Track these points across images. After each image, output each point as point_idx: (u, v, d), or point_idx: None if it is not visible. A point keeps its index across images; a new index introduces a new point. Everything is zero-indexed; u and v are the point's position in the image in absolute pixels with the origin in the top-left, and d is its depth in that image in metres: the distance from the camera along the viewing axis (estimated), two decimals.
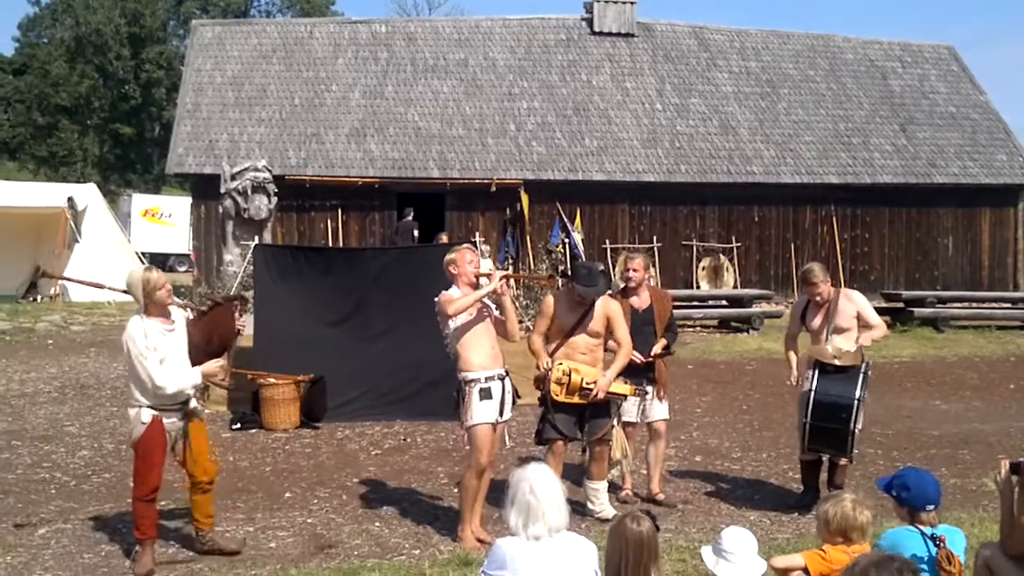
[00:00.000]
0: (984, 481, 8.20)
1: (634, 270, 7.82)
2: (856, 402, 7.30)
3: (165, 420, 6.28)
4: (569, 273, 7.69)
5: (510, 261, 22.58)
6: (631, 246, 24.07)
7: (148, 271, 6.42)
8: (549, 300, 7.42)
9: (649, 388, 7.77)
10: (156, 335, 6.20)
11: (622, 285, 8.11)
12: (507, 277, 7.06)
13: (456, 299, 6.64)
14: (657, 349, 7.73)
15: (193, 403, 6.46)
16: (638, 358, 7.53)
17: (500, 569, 4.18)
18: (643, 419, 7.84)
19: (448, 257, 6.94)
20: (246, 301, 6.70)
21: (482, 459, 6.72)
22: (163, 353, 6.18)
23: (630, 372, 7.47)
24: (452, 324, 6.70)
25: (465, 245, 7.16)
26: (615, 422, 7.38)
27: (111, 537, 6.95)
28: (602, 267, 8.17)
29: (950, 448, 9.95)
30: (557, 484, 4.31)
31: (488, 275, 6.95)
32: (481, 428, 6.70)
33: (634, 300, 7.81)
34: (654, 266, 24.06)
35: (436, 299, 6.81)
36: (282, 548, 6.77)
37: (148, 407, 6.23)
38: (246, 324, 6.74)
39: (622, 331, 7.28)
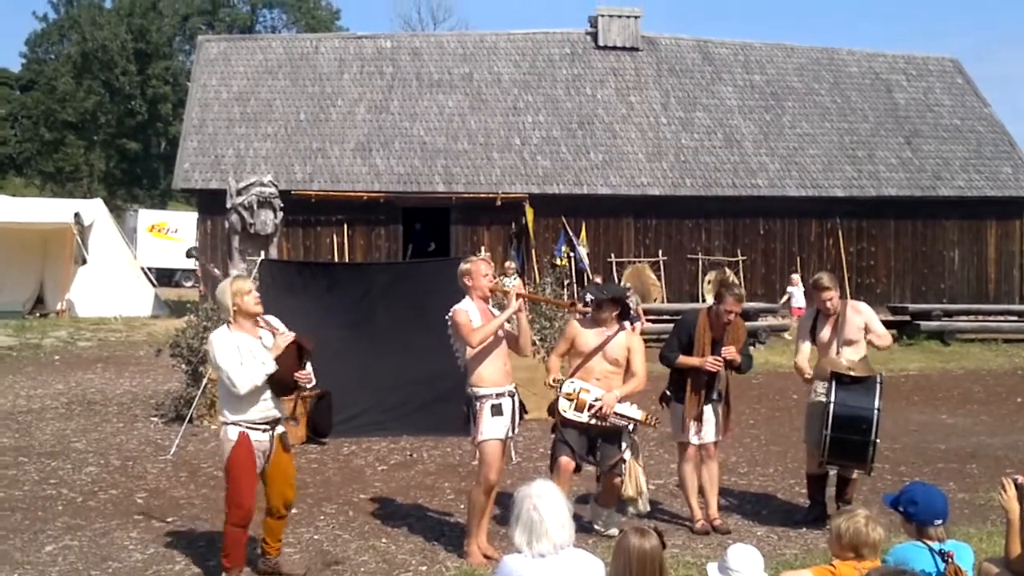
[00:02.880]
0: (992, 495, 8.17)
1: (736, 314, 7.49)
2: (876, 412, 7.27)
3: (253, 438, 6.17)
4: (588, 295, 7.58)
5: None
6: (636, 260, 24.09)
7: (238, 278, 6.40)
8: (573, 323, 7.42)
9: (717, 408, 7.60)
10: (245, 344, 6.15)
11: (713, 308, 7.68)
12: (523, 297, 6.99)
13: (476, 329, 6.59)
14: (730, 353, 7.43)
15: (281, 427, 6.36)
16: (714, 365, 7.39)
17: None
18: (699, 439, 7.59)
19: (463, 268, 6.89)
20: (310, 352, 6.44)
21: (491, 475, 6.71)
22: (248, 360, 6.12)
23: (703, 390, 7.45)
24: (460, 326, 6.68)
25: (481, 257, 7.11)
26: (627, 455, 7.24)
27: (118, 554, 6.94)
28: (628, 288, 8.07)
29: (958, 462, 9.92)
30: (562, 500, 4.29)
31: (506, 292, 6.91)
32: (492, 444, 6.69)
33: (715, 331, 7.54)
34: (660, 279, 24.05)
35: (448, 314, 6.77)
36: (289, 565, 6.76)
37: (235, 424, 6.15)
38: (310, 377, 6.36)
39: (639, 363, 7.22)
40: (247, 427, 6.17)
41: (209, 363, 6.33)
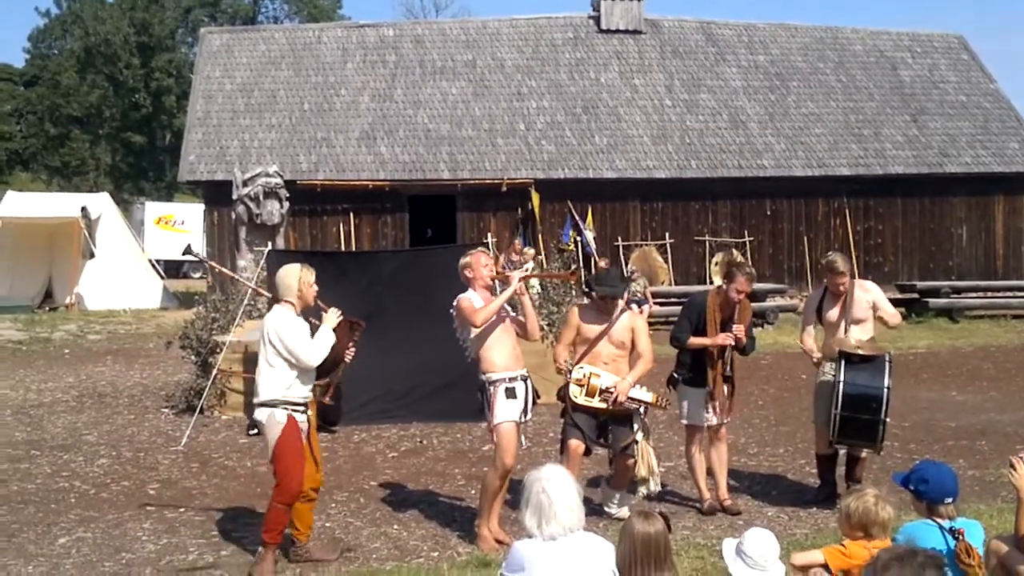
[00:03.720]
0: (1003, 472, 8.16)
1: (745, 294, 7.55)
2: (887, 391, 7.27)
3: (298, 420, 6.32)
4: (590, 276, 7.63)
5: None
6: (643, 243, 24.06)
7: (305, 268, 6.55)
8: (574, 310, 7.43)
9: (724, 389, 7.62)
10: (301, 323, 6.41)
11: (718, 284, 7.81)
12: (526, 277, 7.05)
13: (479, 308, 6.65)
14: (740, 331, 7.49)
15: (310, 409, 6.51)
16: (725, 340, 7.42)
17: (518, 572, 4.18)
18: (707, 421, 7.63)
19: (463, 261, 6.95)
20: (362, 327, 6.70)
21: (507, 459, 6.71)
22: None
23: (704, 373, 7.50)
24: (473, 329, 6.71)
25: (480, 248, 7.17)
26: (639, 436, 7.27)
27: (132, 545, 6.98)
28: (623, 272, 8.12)
29: (968, 439, 9.92)
30: (571, 484, 4.30)
31: (507, 277, 6.93)
32: (507, 426, 6.71)
33: (724, 311, 7.58)
34: (667, 262, 24.02)
35: (453, 304, 6.81)
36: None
37: (282, 406, 6.26)
38: (354, 352, 6.68)
39: (644, 343, 7.24)
40: (292, 409, 6.29)
41: (264, 340, 6.37)
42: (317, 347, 6.33)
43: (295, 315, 6.40)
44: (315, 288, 6.52)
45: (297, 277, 6.44)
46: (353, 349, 6.69)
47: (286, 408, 6.27)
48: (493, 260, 7.22)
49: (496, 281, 6.95)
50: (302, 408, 6.37)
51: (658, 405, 7.32)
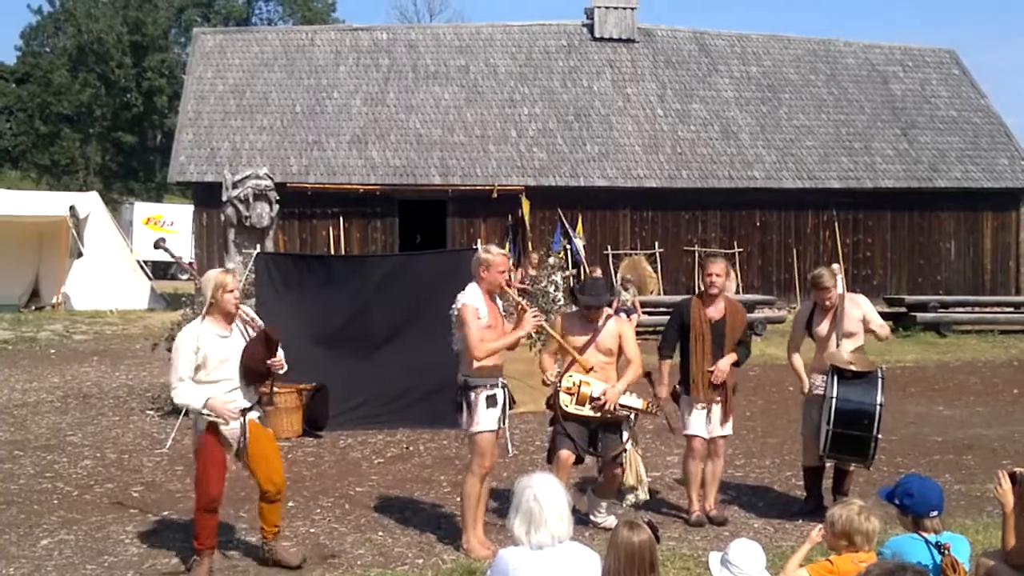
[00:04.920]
0: (989, 487, 8.17)
1: (717, 275, 7.44)
2: (879, 407, 7.27)
3: (222, 428, 6.26)
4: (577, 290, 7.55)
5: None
6: (633, 252, 24.08)
7: (225, 273, 6.42)
8: (559, 319, 7.41)
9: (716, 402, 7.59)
10: (209, 340, 6.21)
11: (703, 288, 7.69)
12: (538, 327, 6.92)
13: (484, 342, 6.53)
14: (723, 364, 7.42)
15: (254, 413, 6.42)
16: (718, 377, 7.37)
17: None
18: (707, 433, 7.56)
19: (485, 257, 6.70)
20: (276, 342, 6.43)
21: (485, 462, 6.72)
22: (212, 358, 6.18)
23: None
24: (468, 333, 6.64)
25: (505, 252, 7.01)
26: (628, 444, 7.24)
27: (114, 548, 6.93)
28: (611, 281, 8.08)
29: (954, 454, 9.93)
30: (562, 493, 4.30)
31: (520, 306, 6.83)
32: (486, 435, 6.70)
33: (709, 309, 7.52)
34: (657, 271, 24.03)
35: (456, 305, 6.70)
36: (284, 553, 6.74)
37: (203, 414, 6.23)
38: (282, 363, 6.38)
39: (632, 349, 7.22)
40: (216, 417, 6.24)
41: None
42: (186, 394, 6.15)
43: (204, 328, 6.22)
44: (235, 293, 6.25)
45: (212, 285, 6.21)
46: (280, 359, 6.36)
47: (208, 417, 6.23)
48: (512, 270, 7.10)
49: (503, 292, 6.85)
50: (231, 415, 6.28)
51: (648, 411, 7.31)
